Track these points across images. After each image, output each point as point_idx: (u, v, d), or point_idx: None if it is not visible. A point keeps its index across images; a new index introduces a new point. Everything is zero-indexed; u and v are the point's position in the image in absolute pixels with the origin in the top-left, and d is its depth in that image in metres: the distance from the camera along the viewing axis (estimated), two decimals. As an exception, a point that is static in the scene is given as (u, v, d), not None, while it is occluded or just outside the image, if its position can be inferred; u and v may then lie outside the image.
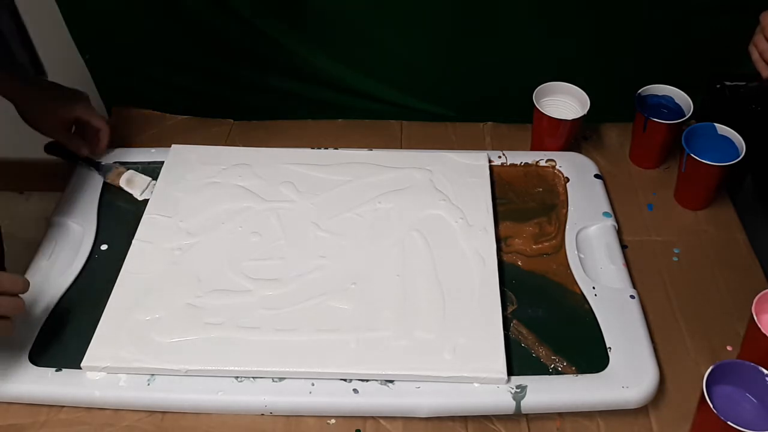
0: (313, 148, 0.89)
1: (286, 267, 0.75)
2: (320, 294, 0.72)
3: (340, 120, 0.99)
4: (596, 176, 0.88)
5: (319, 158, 0.87)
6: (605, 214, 0.83)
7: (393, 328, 0.69)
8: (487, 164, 0.87)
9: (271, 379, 0.67)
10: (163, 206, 0.81)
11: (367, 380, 0.67)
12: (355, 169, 0.86)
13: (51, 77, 0.87)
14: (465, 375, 0.65)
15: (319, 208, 0.81)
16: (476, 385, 0.66)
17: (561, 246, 0.80)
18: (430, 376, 0.66)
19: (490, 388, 0.66)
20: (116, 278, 0.74)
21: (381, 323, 0.69)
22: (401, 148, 0.95)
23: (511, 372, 0.67)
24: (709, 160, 0.80)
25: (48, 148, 0.90)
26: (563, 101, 0.92)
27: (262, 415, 0.67)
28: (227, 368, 0.67)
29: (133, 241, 0.77)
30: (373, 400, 0.66)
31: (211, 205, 0.81)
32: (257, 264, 0.75)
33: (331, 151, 0.88)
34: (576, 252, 0.79)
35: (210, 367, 0.67)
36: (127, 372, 0.67)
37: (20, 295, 0.62)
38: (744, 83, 0.91)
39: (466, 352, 0.67)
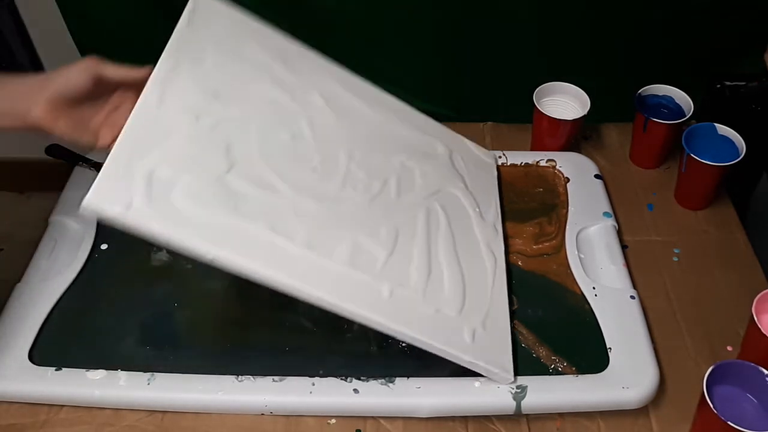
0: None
1: (320, 182, 0.67)
2: (353, 228, 0.66)
3: (340, 120, 0.99)
4: (596, 176, 0.88)
5: (354, 85, 0.79)
6: (605, 214, 0.83)
7: (421, 294, 0.66)
8: (495, 164, 0.87)
9: (271, 379, 0.67)
10: (189, 54, 0.67)
11: (368, 380, 0.67)
12: (386, 112, 0.79)
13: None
14: (481, 364, 0.64)
15: (350, 136, 0.73)
16: (477, 384, 0.66)
17: (561, 246, 0.80)
18: (452, 354, 0.64)
19: (490, 388, 0.66)
20: (116, 278, 0.74)
21: (412, 285, 0.66)
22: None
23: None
24: (709, 160, 0.80)
25: (48, 149, 0.90)
26: (563, 101, 0.92)
27: (262, 415, 0.67)
28: (260, 272, 0.58)
29: (159, 65, 0.64)
30: (373, 400, 0.66)
31: (238, 79, 0.69)
32: (290, 166, 0.66)
33: (366, 83, 0.81)
34: (576, 252, 0.79)
35: (240, 262, 0.57)
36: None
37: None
38: (744, 83, 0.91)
39: (482, 342, 0.66)
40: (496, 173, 0.86)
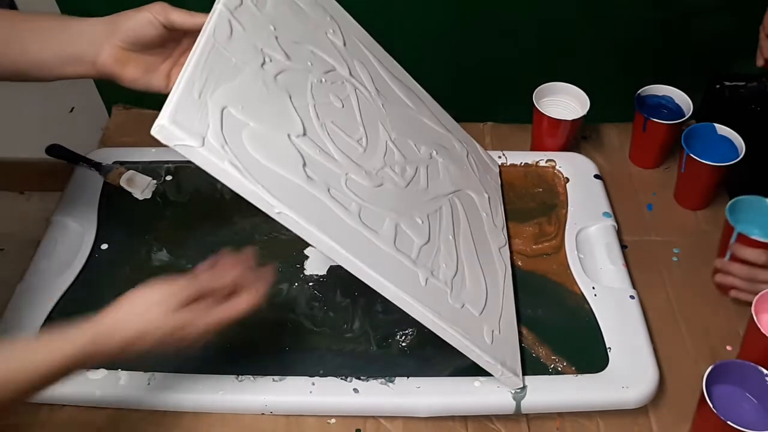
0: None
1: (365, 157, 0.66)
2: (395, 209, 0.65)
3: (340, 120, 0.99)
4: (596, 176, 0.88)
5: (393, 67, 0.78)
6: (605, 214, 0.83)
7: (450, 287, 0.66)
8: (498, 168, 0.88)
9: (271, 379, 0.67)
10: None
11: (368, 379, 0.67)
12: (417, 100, 0.79)
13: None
14: (499, 366, 0.64)
15: (389, 116, 0.72)
16: (477, 384, 0.66)
17: (561, 246, 0.80)
18: (475, 352, 0.63)
19: (490, 387, 0.66)
20: (116, 278, 0.74)
21: (441, 277, 0.65)
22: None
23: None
24: (708, 161, 0.80)
25: (48, 149, 0.90)
26: (563, 101, 0.92)
27: (262, 414, 0.67)
28: (317, 236, 0.56)
29: (224, 1, 0.60)
30: (373, 399, 0.66)
31: (296, 29, 0.66)
32: (341, 134, 0.65)
33: (401, 68, 0.80)
34: (576, 252, 0.79)
35: (302, 223, 0.55)
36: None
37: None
38: (744, 83, 0.91)
39: (499, 345, 0.66)
40: (499, 180, 0.86)
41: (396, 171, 0.68)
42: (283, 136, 0.58)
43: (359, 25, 0.76)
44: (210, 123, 0.52)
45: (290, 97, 0.61)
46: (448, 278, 0.66)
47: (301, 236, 0.55)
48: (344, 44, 0.72)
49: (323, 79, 0.66)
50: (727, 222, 0.73)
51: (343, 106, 0.67)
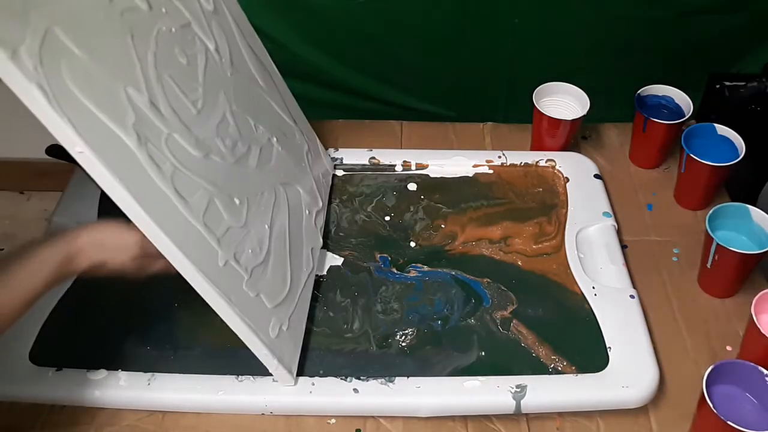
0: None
1: (196, 121, 0.63)
2: (213, 182, 0.63)
3: (340, 120, 0.99)
4: (596, 176, 0.88)
5: (255, 43, 0.77)
6: (605, 214, 0.83)
7: (249, 275, 0.64)
8: (332, 172, 0.88)
9: (271, 379, 0.67)
10: None
11: (368, 379, 0.67)
12: (271, 83, 0.78)
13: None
14: (274, 362, 0.64)
15: (234, 87, 0.70)
16: (477, 384, 0.66)
17: (561, 246, 0.80)
18: (253, 341, 0.62)
19: (490, 387, 0.66)
20: (116, 278, 0.74)
21: (242, 262, 0.63)
22: (401, 148, 0.95)
23: (510, 372, 0.67)
24: (708, 161, 0.80)
25: (48, 149, 0.90)
26: (563, 101, 0.92)
27: (263, 414, 0.67)
28: (115, 187, 0.52)
29: None
30: (373, 399, 0.66)
31: None
32: (176, 91, 0.62)
33: (263, 49, 0.79)
34: (576, 252, 0.79)
35: (102, 170, 0.51)
36: None
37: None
38: (744, 83, 0.91)
39: (282, 340, 0.65)
40: (330, 182, 0.87)
41: (226, 144, 0.66)
42: (109, 76, 0.53)
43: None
44: (27, 37, 0.47)
45: (132, 37, 0.57)
46: (249, 265, 0.64)
47: (98, 183, 0.52)
48: (213, 9, 0.69)
49: (173, 29, 0.62)
50: (707, 232, 0.73)
51: (187, 63, 0.63)
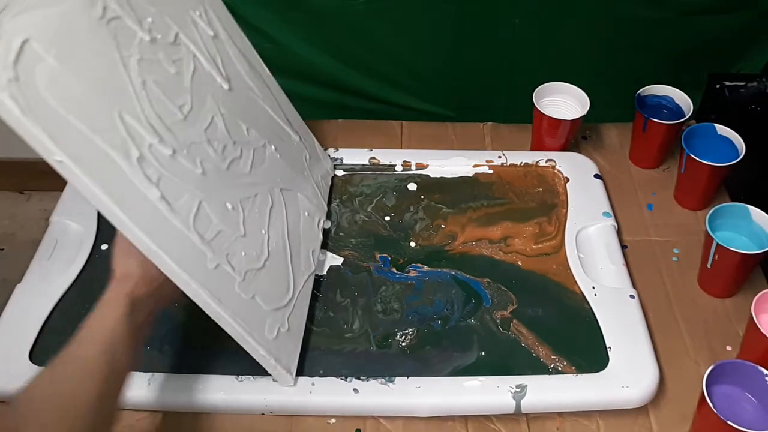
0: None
1: (182, 125, 0.62)
2: (202, 186, 0.62)
3: (340, 120, 0.99)
4: (596, 176, 0.88)
5: (247, 49, 0.76)
6: (605, 214, 0.83)
7: (242, 277, 0.64)
8: (332, 173, 0.88)
9: (271, 379, 0.67)
10: None
11: (367, 379, 0.67)
12: (265, 89, 0.78)
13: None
14: (272, 362, 0.64)
15: (223, 92, 0.70)
16: (477, 384, 0.66)
17: (561, 246, 0.80)
18: (249, 344, 0.62)
19: (490, 387, 0.66)
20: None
21: (236, 265, 0.63)
22: (401, 148, 0.95)
23: (510, 372, 0.67)
24: (708, 161, 0.80)
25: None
26: (563, 101, 0.92)
27: (263, 415, 0.67)
28: (97, 195, 0.52)
29: None
30: (373, 399, 0.66)
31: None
32: (162, 98, 0.60)
33: (254, 52, 0.78)
34: (576, 252, 0.79)
35: (83, 179, 0.51)
36: None
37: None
38: (744, 83, 0.91)
39: (281, 341, 0.65)
40: (330, 183, 0.87)
41: (216, 148, 0.65)
42: (93, 84, 0.52)
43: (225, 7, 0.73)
44: (3, 50, 0.45)
45: (116, 44, 0.55)
46: (243, 268, 0.64)
47: (81, 193, 0.51)
48: (199, 15, 0.68)
49: (158, 38, 0.61)
50: (707, 232, 0.73)
51: (174, 70, 0.62)
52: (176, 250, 0.56)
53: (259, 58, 0.77)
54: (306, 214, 0.77)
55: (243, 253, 0.64)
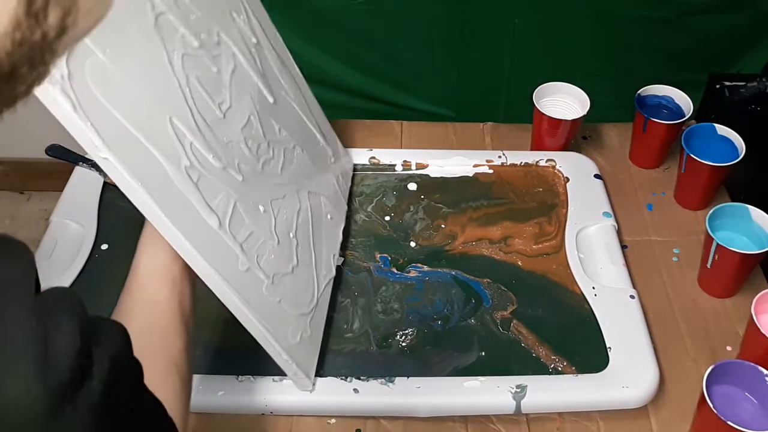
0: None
1: (221, 123, 0.63)
2: (238, 186, 0.62)
3: (340, 120, 0.99)
4: (596, 176, 0.88)
5: (281, 48, 0.76)
6: (605, 214, 0.83)
7: (271, 281, 0.64)
8: (351, 172, 0.88)
9: (271, 379, 0.67)
10: None
11: (368, 379, 0.67)
12: (297, 91, 0.77)
13: (51, 77, 0.86)
14: (294, 366, 0.63)
15: (260, 91, 0.70)
16: (477, 384, 0.66)
17: (561, 246, 0.80)
18: (274, 348, 0.62)
19: (490, 387, 0.66)
20: (116, 278, 0.74)
21: (264, 268, 0.63)
22: (401, 148, 0.95)
23: (510, 372, 0.67)
24: (708, 161, 0.80)
25: (48, 149, 0.90)
26: (563, 101, 0.92)
27: (263, 415, 0.67)
28: (138, 192, 0.52)
29: None
30: (373, 400, 0.66)
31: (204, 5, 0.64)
32: (203, 96, 0.60)
33: (287, 51, 0.78)
34: (576, 252, 0.79)
35: (125, 175, 0.52)
36: None
37: None
38: (744, 83, 0.91)
39: (303, 346, 0.65)
40: (350, 183, 0.86)
41: (251, 147, 0.65)
42: (135, 79, 0.52)
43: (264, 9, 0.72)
44: None
45: (162, 40, 0.55)
46: (272, 271, 0.63)
47: (123, 191, 0.52)
48: (239, 12, 0.67)
49: (201, 35, 0.60)
50: (707, 232, 0.73)
51: (215, 68, 0.62)
52: (210, 252, 0.56)
53: (289, 54, 0.77)
54: (329, 217, 0.77)
55: (272, 256, 0.64)
